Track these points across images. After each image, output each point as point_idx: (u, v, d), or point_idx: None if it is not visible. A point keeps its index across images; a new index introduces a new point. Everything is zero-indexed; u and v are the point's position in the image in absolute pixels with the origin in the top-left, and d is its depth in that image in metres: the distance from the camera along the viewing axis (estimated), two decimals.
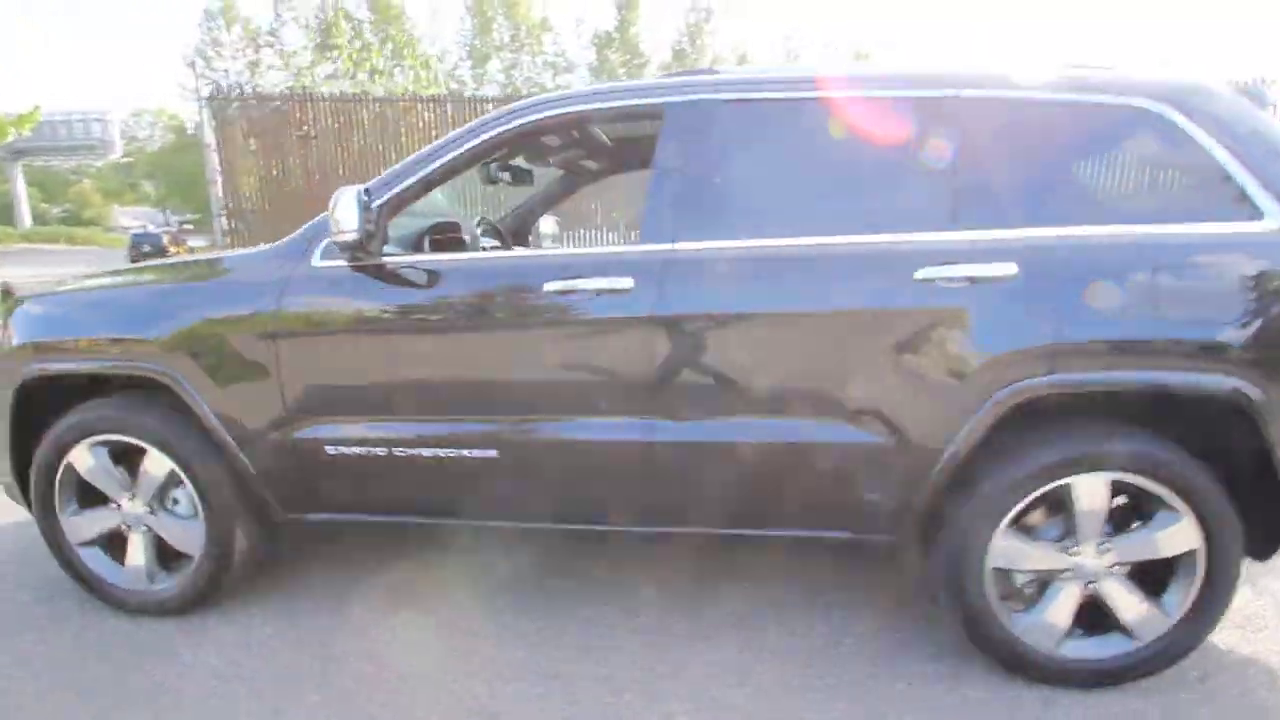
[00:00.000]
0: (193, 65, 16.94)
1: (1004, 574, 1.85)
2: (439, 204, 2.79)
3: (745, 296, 1.81)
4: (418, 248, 2.30)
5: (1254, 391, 1.64)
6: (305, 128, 7.49)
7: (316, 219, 2.08)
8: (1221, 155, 1.75)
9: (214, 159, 8.10)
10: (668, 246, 1.85)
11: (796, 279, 1.80)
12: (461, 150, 1.98)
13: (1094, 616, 1.84)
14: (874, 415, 1.80)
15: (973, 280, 1.72)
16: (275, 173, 7.30)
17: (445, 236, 2.33)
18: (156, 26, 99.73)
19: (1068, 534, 1.82)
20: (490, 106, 8.10)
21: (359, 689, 1.86)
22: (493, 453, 1.93)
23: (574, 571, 2.44)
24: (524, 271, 1.92)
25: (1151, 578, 1.82)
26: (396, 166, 2.03)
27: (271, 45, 22.08)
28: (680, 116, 1.91)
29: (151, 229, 27.46)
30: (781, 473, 1.86)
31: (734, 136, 1.90)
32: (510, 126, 1.97)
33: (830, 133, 1.89)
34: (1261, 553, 1.82)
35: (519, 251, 1.97)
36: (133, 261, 22.63)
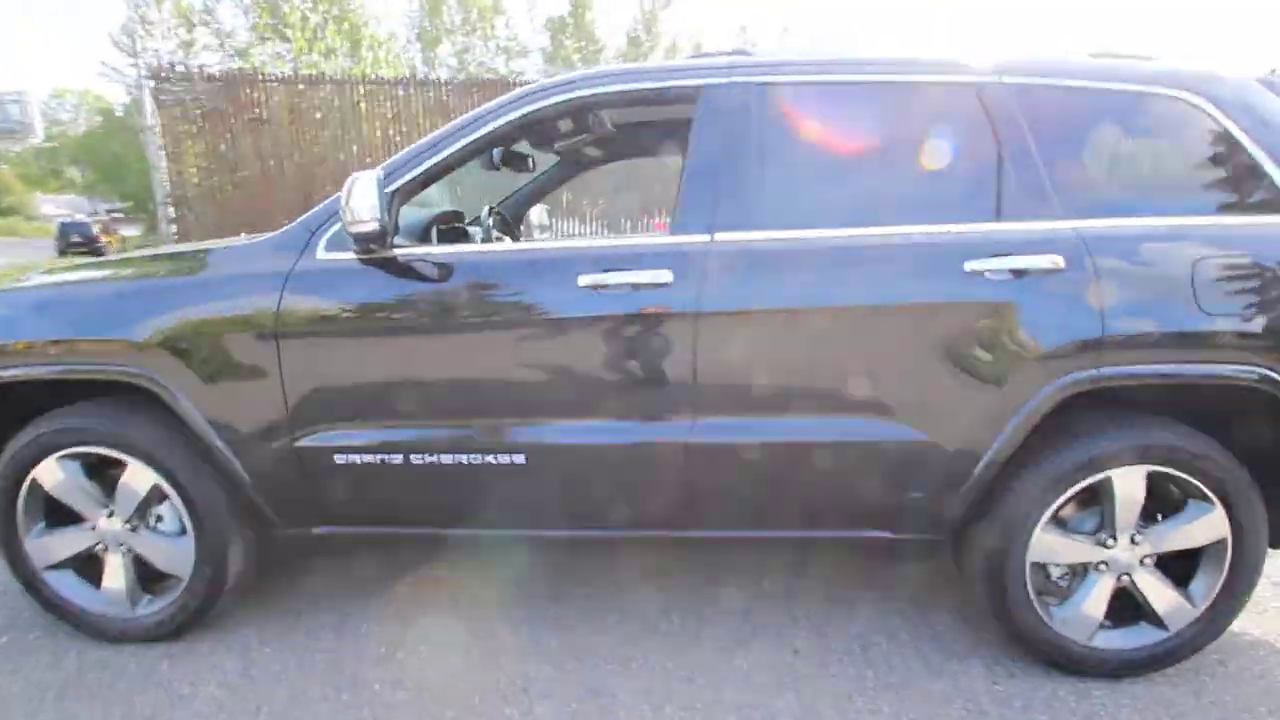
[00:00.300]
0: (129, 43, 15.71)
1: (1040, 568, 1.84)
2: (431, 193, 2.62)
3: (790, 290, 1.73)
4: (424, 239, 2.14)
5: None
6: (257, 110, 7.03)
7: (317, 207, 1.90)
8: (1251, 147, 1.76)
9: (154, 144, 7.54)
10: (705, 238, 1.75)
11: (844, 272, 1.73)
12: (484, 131, 1.84)
13: (1123, 608, 1.85)
14: (922, 411, 1.75)
15: (1021, 273, 1.68)
16: (224, 159, 6.82)
17: (454, 227, 2.17)
18: (73, 2, 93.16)
19: (1103, 526, 1.81)
20: (447, 91, 7.78)
21: (381, 716, 1.72)
22: (521, 458, 1.80)
23: (589, 579, 2.33)
24: (555, 265, 1.79)
25: (1175, 568, 1.83)
26: (410, 149, 1.87)
27: (207, 24, 20.83)
28: (719, 100, 1.81)
29: (80, 218, 25.72)
30: (826, 472, 1.79)
31: (776, 122, 1.81)
32: (539, 105, 1.84)
33: (873, 119, 1.83)
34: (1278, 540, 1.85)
35: (548, 243, 1.83)
36: (61, 253, 21.19)
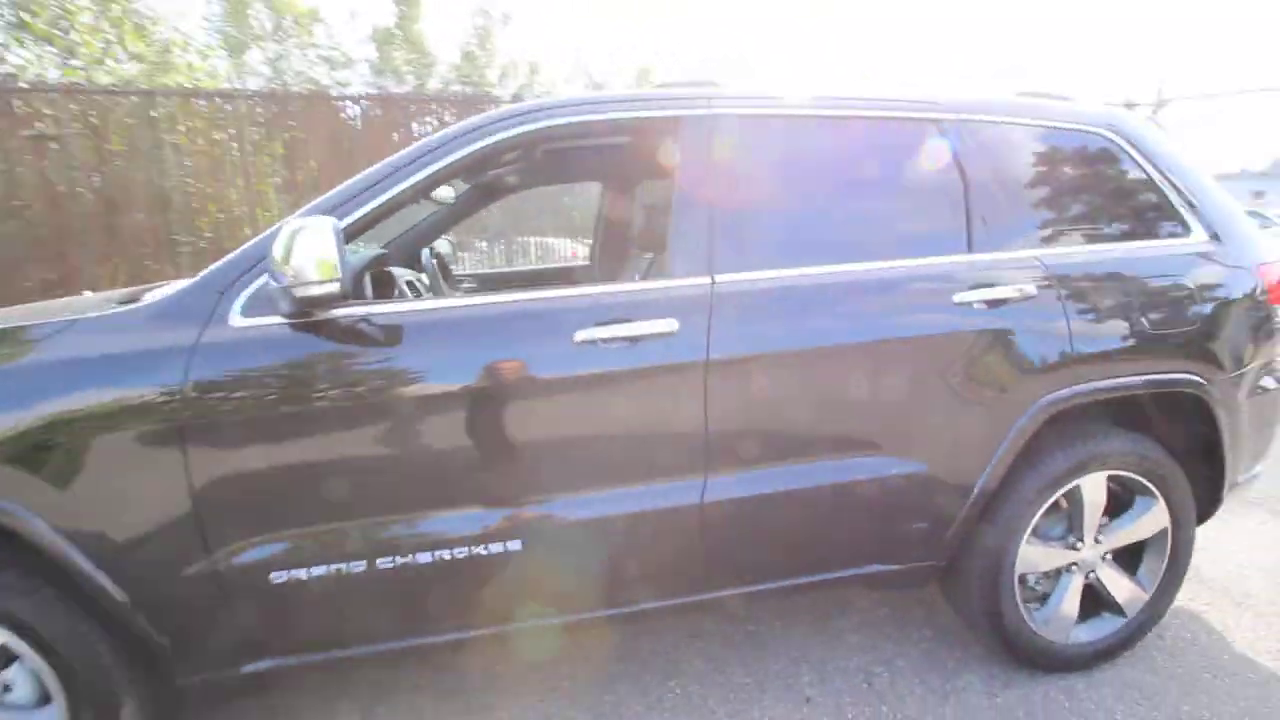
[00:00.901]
0: None
1: (1022, 579, 1.90)
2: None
3: (797, 330, 1.63)
4: (356, 292, 1.77)
5: (1204, 380, 1.84)
6: (38, 125, 5.70)
7: (222, 262, 1.49)
8: (1158, 179, 1.95)
9: None
10: (705, 280, 1.60)
11: (847, 308, 1.66)
12: (443, 164, 1.55)
13: (1085, 603, 1.96)
14: (922, 442, 1.73)
15: (1000, 302, 1.72)
16: None
17: (385, 271, 1.83)
18: None
19: (1070, 530, 1.91)
20: (257, 102, 6.93)
21: None
22: (517, 544, 1.53)
23: (570, 658, 2.08)
24: (546, 319, 1.54)
25: (1124, 559, 1.98)
26: (349, 185, 1.52)
27: None
28: (701, 132, 1.66)
29: None
30: (839, 513, 1.72)
31: (762, 155, 1.70)
32: (505, 135, 1.58)
33: (852, 153, 1.79)
34: (1201, 518, 2.07)
35: (533, 293, 1.56)
36: None
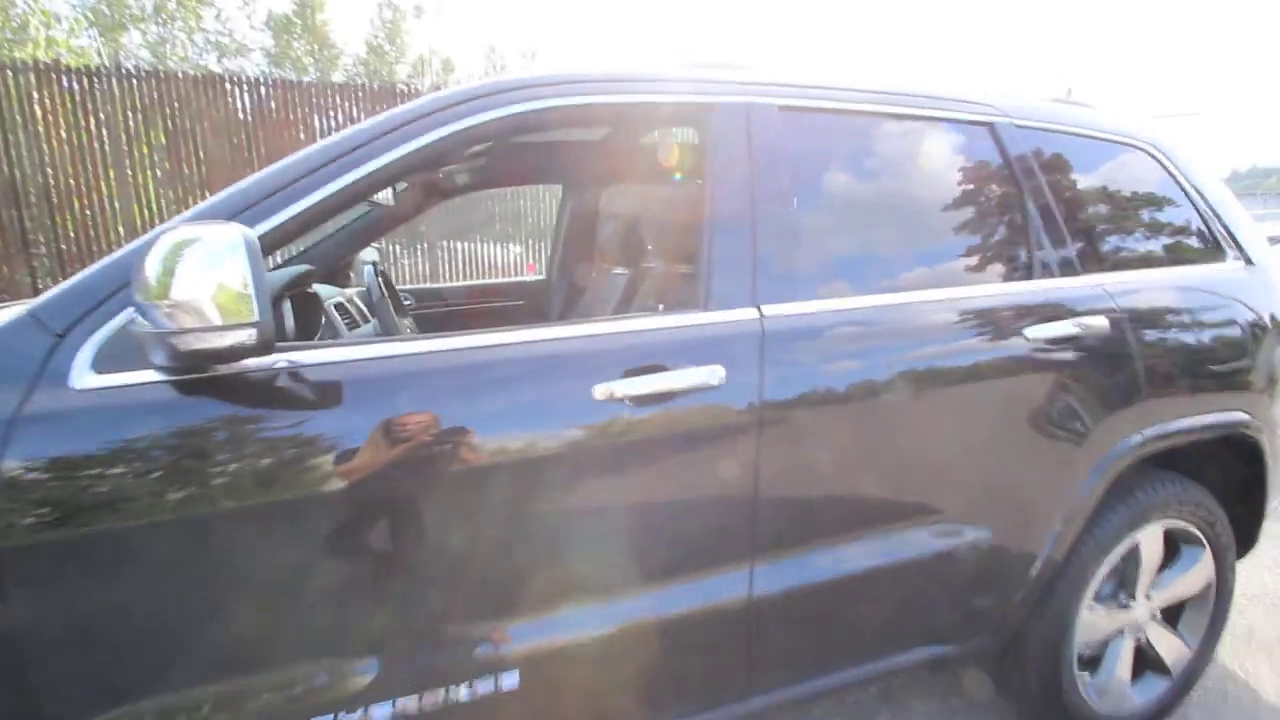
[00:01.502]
0: None
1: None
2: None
3: (862, 374, 1.29)
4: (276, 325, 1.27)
5: (1253, 416, 1.67)
6: None
7: (63, 288, 0.98)
8: (1195, 198, 1.78)
9: None
10: (752, 314, 1.23)
11: (922, 347, 1.34)
12: (403, 152, 1.09)
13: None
14: (993, 503, 1.44)
15: (1072, 338, 1.46)
16: None
17: (307, 294, 1.35)
18: None
19: (1122, 589, 1.69)
20: (142, 82, 5.99)
21: None
22: (513, 678, 1.10)
23: None
24: (556, 368, 1.11)
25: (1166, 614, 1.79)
26: (269, 175, 1.04)
27: None
28: (736, 124, 1.30)
29: None
30: (903, 593, 1.40)
31: (807, 157, 1.36)
32: (488, 117, 1.14)
33: (906, 158, 1.47)
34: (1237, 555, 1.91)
35: (536, 331, 1.13)
36: None
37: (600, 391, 1.09)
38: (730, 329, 1.21)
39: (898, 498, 1.36)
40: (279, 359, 0.99)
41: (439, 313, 2.54)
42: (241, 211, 0.99)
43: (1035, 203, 1.54)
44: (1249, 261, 1.80)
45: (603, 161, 2.22)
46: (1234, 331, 1.68)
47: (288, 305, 1.30)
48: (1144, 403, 1.51)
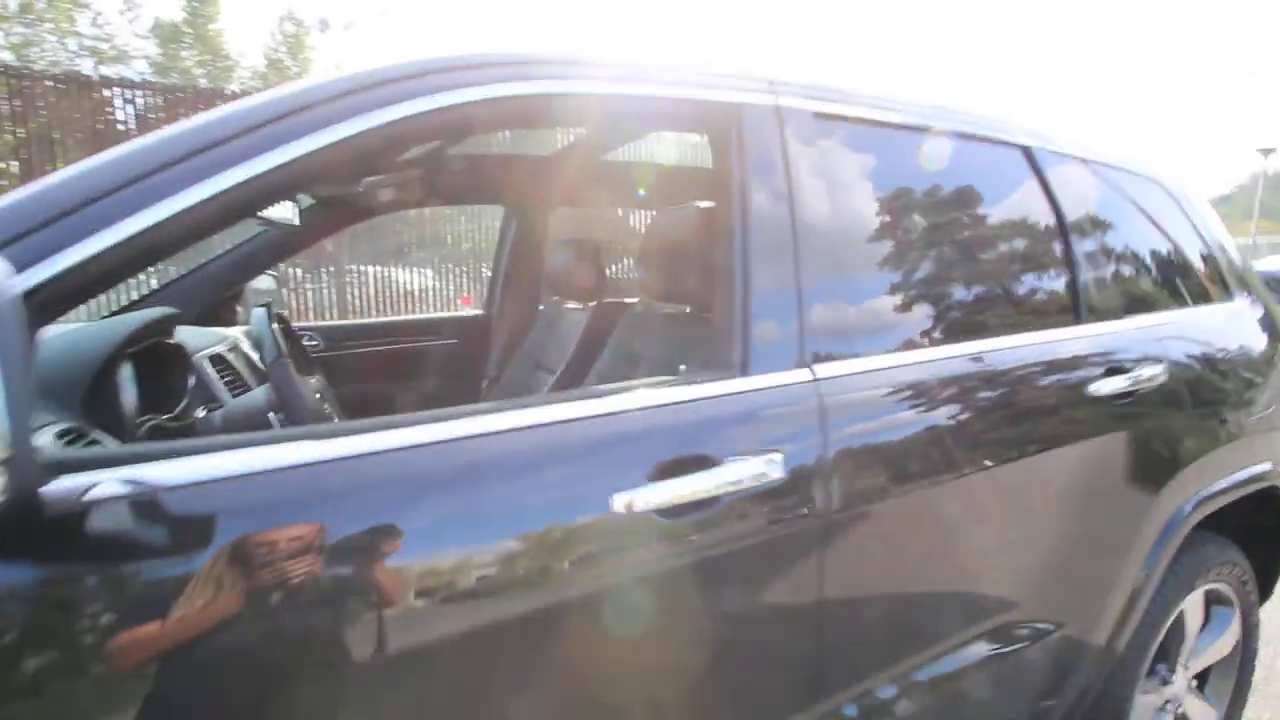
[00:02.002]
0: None
1: None
2: None
3: (943, 448, 1.00)
4: (100, 410, 0.83)
5: (1274, 466, 1.55)
6: None
7: None
8: (1206, 236, 1.66)
9: None
10: (804, 376, 0.92)
11: (993, 411, 1.08)
12: (324, 141, 0.71)
13: None
14: (1062, 588, 1.19)
15: (1134, 391, 1.25)
16: None
17: (160, 352, 0.92)
18: None
19: (1163, 663, 1.50)
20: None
21: None
22: None
23: None
24: (554, 467, 0.74)
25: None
26: (57, 184, 0.62)
27: None
28: (787, 132, 0.99)
29: None
30: (969, 706, 1.11)
31: (847, 174, 1.07)
32: (462, 99, 0.78)
33: (948, 182, 1.22)
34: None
35: (517, 416, 0.75)
36: None
37: (622, 500, 0.74)
38: (778, 399, 0.89)
39: (980, 594, 1.08)
40: (102, 476, 0.57)
41: (355, 357, 2.09)
42: (7, 242, 0.57)
43: (1078, 236, 1.33)
44: (1253, 300, 1.70)
45: (564, 177, 1.87)
46: (1258, 373, 1.56)
47: (125, 377, 0.86)
48: (1200, 459, 1.33)
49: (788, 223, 0.96)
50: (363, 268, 5.55)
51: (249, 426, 0.92)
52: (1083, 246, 1.33)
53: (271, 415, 0.90)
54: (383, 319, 2.75)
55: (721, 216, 1.01)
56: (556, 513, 0.73)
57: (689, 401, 0.84)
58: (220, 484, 0.61)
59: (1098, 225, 1.38)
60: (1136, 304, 1.40)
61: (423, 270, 5.94)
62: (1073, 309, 1.30)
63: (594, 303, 1.98)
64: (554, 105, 0.90)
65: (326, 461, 0.66)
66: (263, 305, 1.06)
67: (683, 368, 0.92)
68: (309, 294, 5.37)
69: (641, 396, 0.82)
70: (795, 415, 0.88)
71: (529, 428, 0.75)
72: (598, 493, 0.74)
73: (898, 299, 1.09)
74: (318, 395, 1.06)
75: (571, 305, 2.09)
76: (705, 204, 1.23)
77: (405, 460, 0.69)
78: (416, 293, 5.69)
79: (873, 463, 0.93)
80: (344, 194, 1.71)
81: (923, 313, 1.11)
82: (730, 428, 0.84)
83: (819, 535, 0.87)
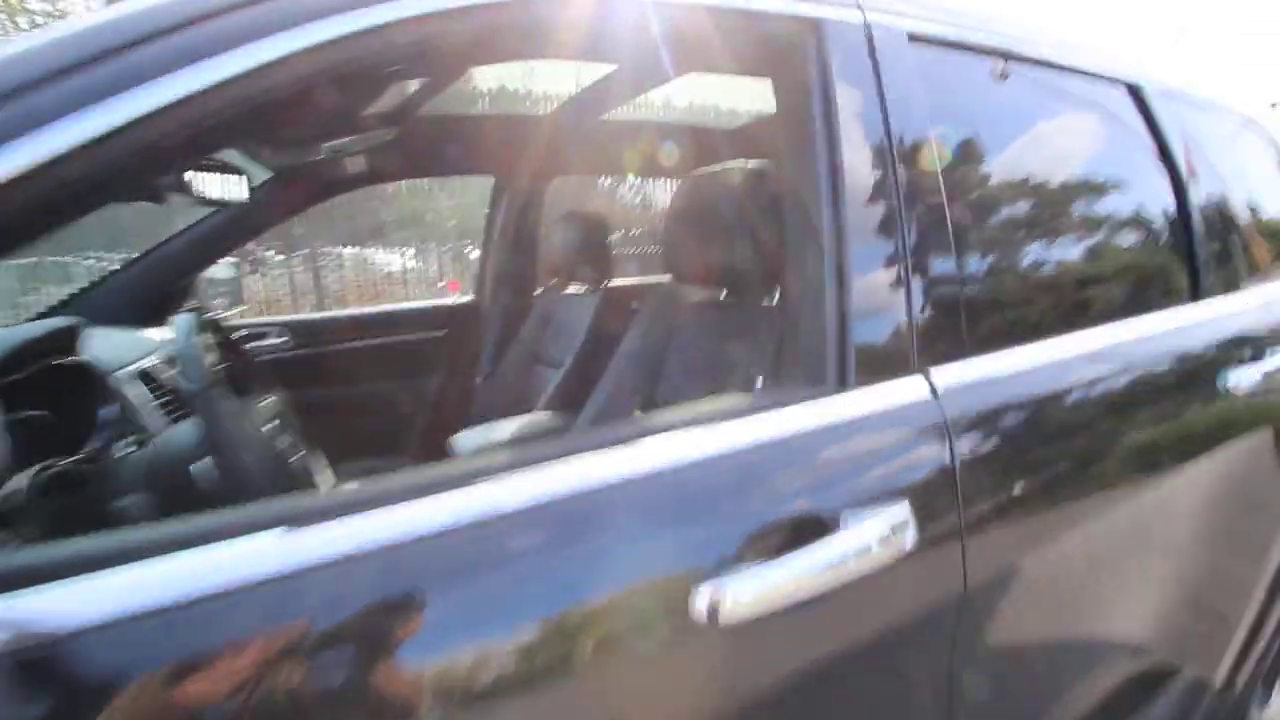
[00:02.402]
0: None
1: None
2: None
3: (1092, 461, 0.78)
4: None
5: None
6: None
7: None
8: None
9: None
10: (919, 388, 0.68)
11: (1140, 416, 0.85)
12: (265, 57, 0.46)
13: None
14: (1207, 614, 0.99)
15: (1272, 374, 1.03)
16: None
17: (80, 370, 0.66)
18: None
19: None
20: None
21: None
22: None
23: None
24: (593, 558, 0.49)
25: None
26: None
27: None
28: (881, 58, 0.74)
29: None
30: None
31: (956, 117, 0.83)
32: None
33: (1057, 127, 0.98)
34: None
35: (530, 482, 0.50)
36: None
37: (703, 595, 0.50)
38: (893, 421, 0.65)
39: (1120, 642, 0.87)
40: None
41: (330, 355, 1.82)
42: None
43: (1197, 195, 1.10)
44: None
45: (564, 139, 1.60)
46: None
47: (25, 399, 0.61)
48: None
49: (889, 180, 0.72)
50: (334, 249, 5.18)
51: (173, 479, 0.67)
52: (1200, 208, 1.10)
53: (197, 466, 0.65)
54: (361, 310, 2.48)
55: (794, 176, 0.76)
56: (645, 608, 0.49)
57: (779, 438, 0.59)
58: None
59: (1217, 181, 1.15)
60: (1257, 274, 1.17)
61: (405, 250, 5.56)
62: (1192, 283, 1.07)
63: (600, 286, 1.73)
64: (554, 23, 0.64)
65: (274, 579, 0.41)
66: (189, 311, 0.79)
67: (759, 381, 0.68)
68: (277, 280, 4.98)
69: (706, 433, 0.57)
70: (916, 444, 0.65)
71: (557, 501, 0.50)
72: (679, 585, 0.50)
73: (1013, 277, 0.85)
74: (272, 424, 0.80)
75: (574, 290, 1.84)
76: (755, 163, 0.98)
77: (383, 563, 0.44)
78: (398, 275, 5.33)
79: (1008, 499, 0.70)
80: (303, 164, 1.43)
81: (1041, 294, 0.88)
82: (837, 469, 0.60)
83: (954, 607, 0.64)
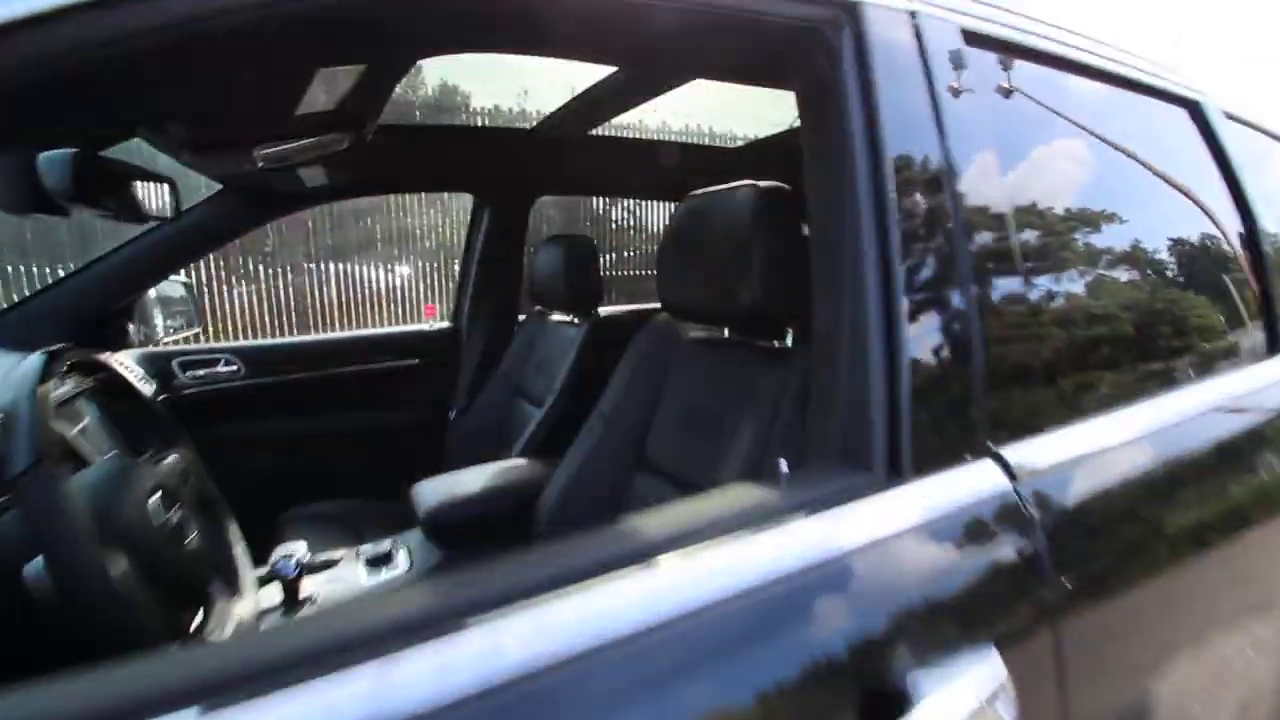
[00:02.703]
0: None
1: None
2: None
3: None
4: None
5: None
6: None
7: None
8: None
9: None
10: (992, 475, 0.52)
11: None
12: None
13: None
14: None
15: None
16: None
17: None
18: None
19: None
20: None
21: None
22: None
23: None
24: None
25: None
26: None
27: None
28: (939, 62, 0.60)
29: None
30: None
31: (1033, 130, 0.68)
32: None
33: (1124, 147, 0.83)
34: None
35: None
36: None
37: None
38: (959, 524, 0.49)
39: None
40: None
41: (288, 386, 1.64)
42: None
43: (1261, 230, 0.95)
44: None
45: (551, 155, 1.45)
46: None
47: None
48: None
49: (947, 205, 0.56)
50: (318, 265, 4.95)
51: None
52: (1269, 250, 0.96)
53: (30, 567, 0.47)
54: (327, 336, 2.28)
55: (822, 199, 0.60)
56: None
57: (812, 560, 0.43)
58: None
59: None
60: None
61: (399, 268, 5.30)
62: (1269, 335, 0.92)
63: (589, 316, 1.57)
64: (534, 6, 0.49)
65: None
66: (43, 353, 0.61)
67: (783, 465, 0.52)
68: (251, 299, 4.71)
69: (709, 557, 0.40)
70: (995, 555, 0.48)
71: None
72: None
73: (1094, 328, 0.69)
74: (164, 494, 0.62)
75: (559, 317, 1.67)
76: (767, 184, 0.83)
77: None
78: (385, 293, 5.09)
79: (1117, 624, 0.53)
80: (251, 174, 1.27)
81: (1123, 350, 0.72)
82: (897, 604, 0.43)
83: None
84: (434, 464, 1.79)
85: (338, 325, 4.93)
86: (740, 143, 1.65)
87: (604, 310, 1.61)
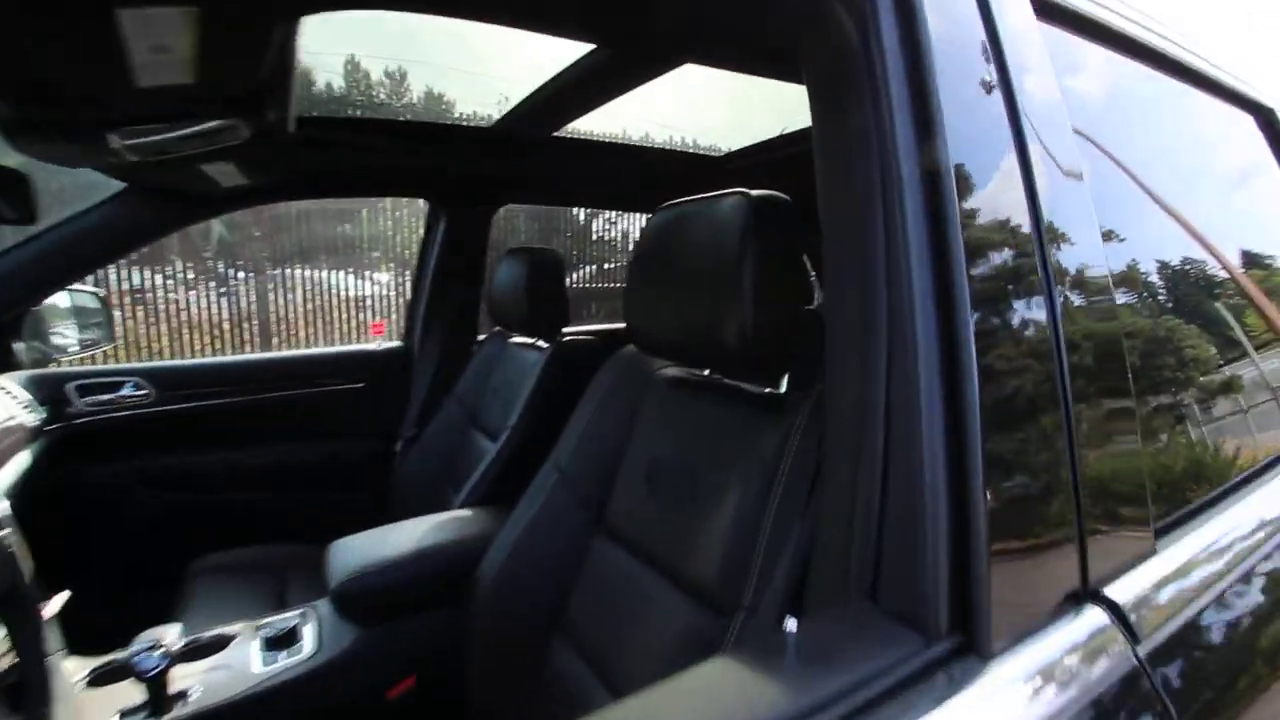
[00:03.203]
0: None
1: None
2: None
3: None
4: None
5: None
6: None
7: None
8: None
9: None
10: (1096, 620, 0.34)
11: None
12: None
13: None
14: None
15: None
16: None
17: None
18: None
19: None
20: None
21: None
22: None
23: None
24: None
25: None
26: None
27: None
28: (1013, 42, 0.42)
29: None
30: None
31: (1115, 121, 0.51)
32: None
33: (1194, 153, 0.67)
34: None
35: None
36: None
37: None
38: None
39: None
40: None
41: (206, 410, 1.42)
42: None
43: None
44: None
45: (516, 157, 1.26)
46: None
47: None
48: None
49: (1027, 225, 0.39)
50: (289, 270, 4.68)
51: None
52: None
53: None
54: (256, 356, 2.04)
55: (845, 208, 0.43)
56: None
57: None
58: None
59: None
60: None
61: (375, 276, 5.01)
62: None
63: (553, 339, 1.38)
64: None
65: None
66: None
67: (790, 625, 0.34)
68: (200, 307, 4.38)
69: None
70: None
71: None
72: None
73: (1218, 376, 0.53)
74: None
75: (520, 340, 1.48)
76: (760, 194, 0.65)
77: None
78: (356, 302, 4.81)
79: None
80: (161, 176, 1.06)
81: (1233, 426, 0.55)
82: None
83: None
84: (376, 503, 1.59)
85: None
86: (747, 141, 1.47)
87: (569, 331, 1.42)
